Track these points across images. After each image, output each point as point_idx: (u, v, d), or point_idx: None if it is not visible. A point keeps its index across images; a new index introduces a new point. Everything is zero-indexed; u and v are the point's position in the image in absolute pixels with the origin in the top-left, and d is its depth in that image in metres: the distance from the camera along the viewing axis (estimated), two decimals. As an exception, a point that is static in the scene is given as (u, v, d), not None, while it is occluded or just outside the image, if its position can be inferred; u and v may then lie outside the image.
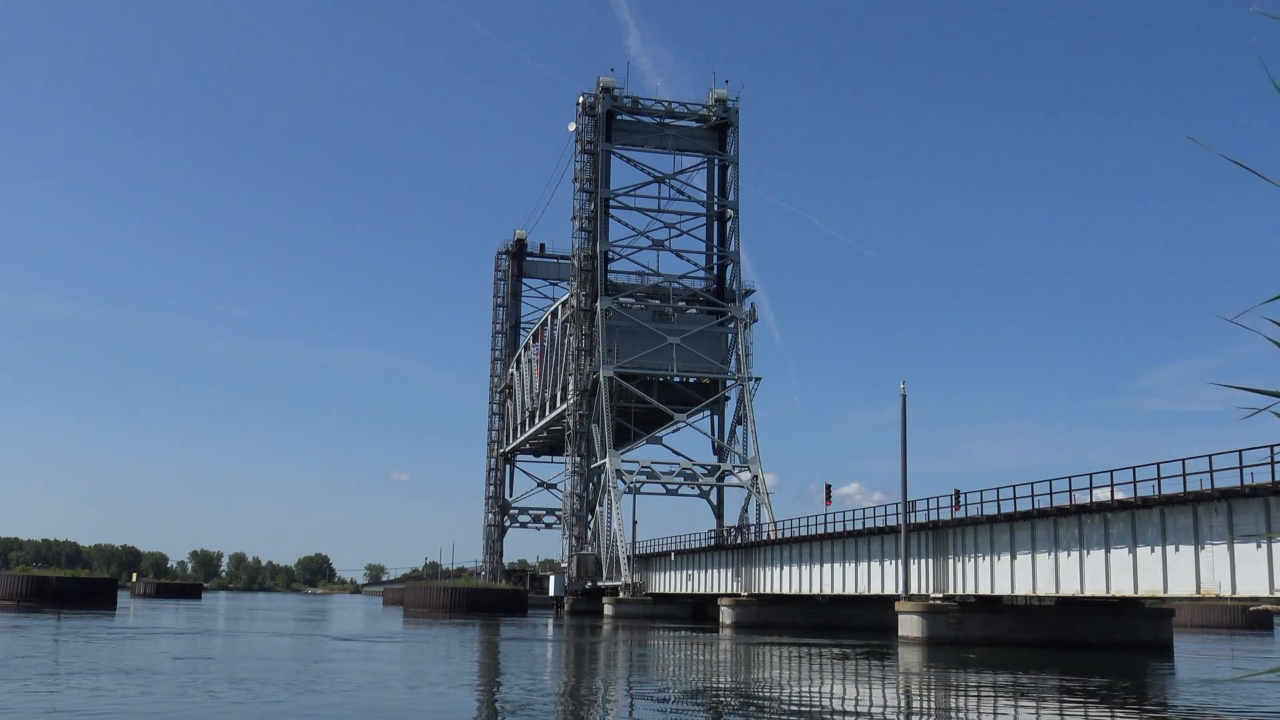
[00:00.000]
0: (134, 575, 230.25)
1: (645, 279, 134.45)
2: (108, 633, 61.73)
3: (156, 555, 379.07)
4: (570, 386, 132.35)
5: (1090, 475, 53.65)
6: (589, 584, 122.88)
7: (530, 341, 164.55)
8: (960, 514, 63.73)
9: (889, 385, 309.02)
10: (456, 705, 30.07)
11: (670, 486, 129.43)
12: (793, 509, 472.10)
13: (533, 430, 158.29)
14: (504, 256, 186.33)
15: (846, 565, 75.86)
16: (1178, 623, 76.67)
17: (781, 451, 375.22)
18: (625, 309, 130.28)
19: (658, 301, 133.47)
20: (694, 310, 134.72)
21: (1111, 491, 52.23)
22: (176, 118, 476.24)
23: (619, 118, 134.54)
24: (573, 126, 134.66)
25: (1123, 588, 51.96)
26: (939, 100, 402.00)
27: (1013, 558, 59.33)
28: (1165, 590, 49.61)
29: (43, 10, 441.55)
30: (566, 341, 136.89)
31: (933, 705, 31.95)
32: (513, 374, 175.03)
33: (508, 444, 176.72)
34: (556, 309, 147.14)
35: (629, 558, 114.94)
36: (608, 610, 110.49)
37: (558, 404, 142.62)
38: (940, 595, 65.06)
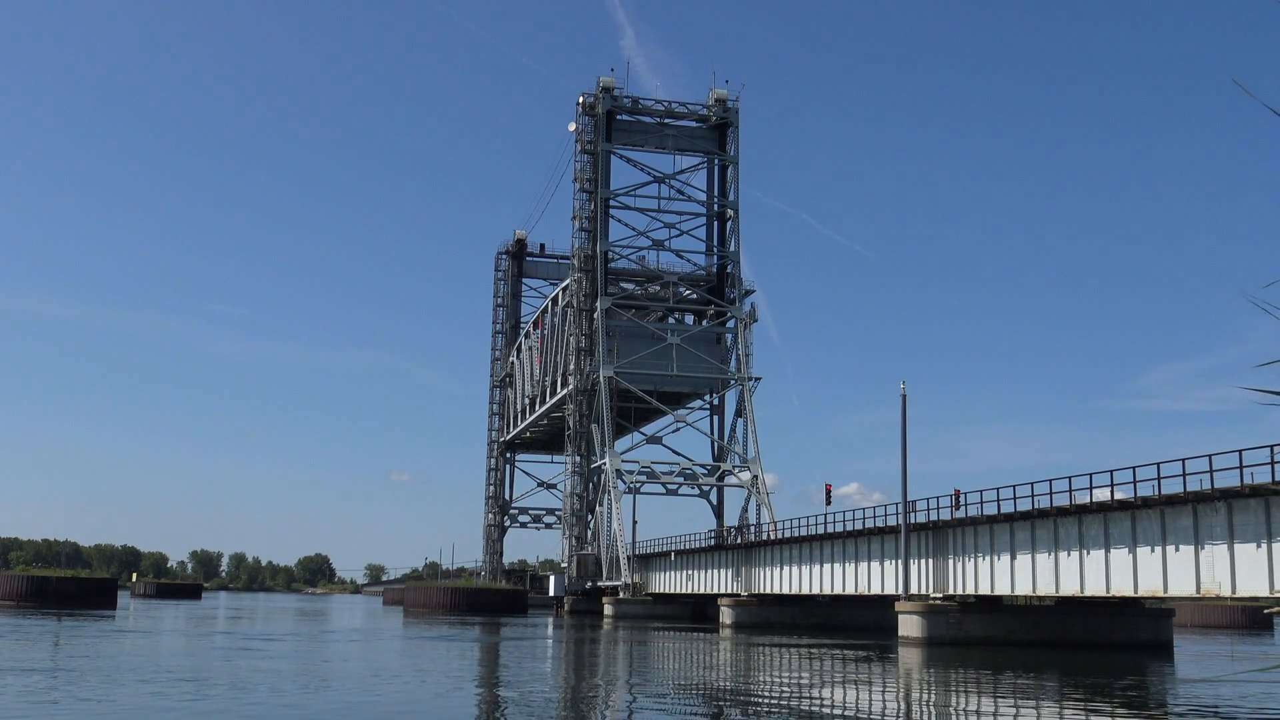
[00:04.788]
0: (134, 575, 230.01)
1: (645, 281, 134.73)
2: (100, 633, 61.69)
3: (156, 555, 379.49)
4: (571, 385, 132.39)
5: (1090, 475, 53.72)
6: (589, 584, 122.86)
7: (530, 329, 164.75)
8: (960, 514, 63.72)
9: (888, 385, 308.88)
10: (455, 705, 30.03)
11: (670, 486, 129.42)
12: (793, 509, 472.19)
13: (533, 417, 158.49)
14: (504, 256, 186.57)
15: (846, 565, 75.86)
16: (1178, 623, 76.65)
17: (781, 451, 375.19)
18: (625, 307, 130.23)
19: (658, 288, 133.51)
20: (694, 296, 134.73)
21: (1111, 491, 52.21)
22: (176, 117, 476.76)
23: (619, 118, 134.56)
24: (573, 126, 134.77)
25: (1123, 588, 51.95)
26: (939, 100, 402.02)
27: (1013, 558, 59.33)
28: (1165, 590, 49.59)
29: (43, 10, 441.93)
30: (566, 329, 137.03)
31: (933, 706, 31.93)
32: (513, 363, 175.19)
33: (508, 432, 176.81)
34: (557, 295, 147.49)
35: (629, 558, 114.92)
36: (608, 610, 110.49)
37: (557, 390, 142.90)
38: (940, 595, 65.06)
